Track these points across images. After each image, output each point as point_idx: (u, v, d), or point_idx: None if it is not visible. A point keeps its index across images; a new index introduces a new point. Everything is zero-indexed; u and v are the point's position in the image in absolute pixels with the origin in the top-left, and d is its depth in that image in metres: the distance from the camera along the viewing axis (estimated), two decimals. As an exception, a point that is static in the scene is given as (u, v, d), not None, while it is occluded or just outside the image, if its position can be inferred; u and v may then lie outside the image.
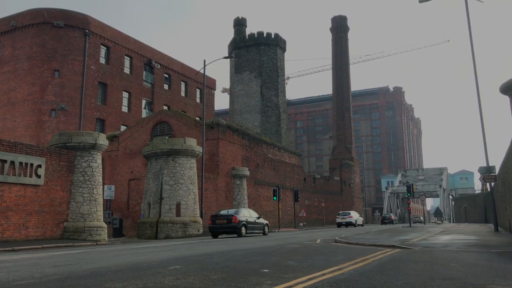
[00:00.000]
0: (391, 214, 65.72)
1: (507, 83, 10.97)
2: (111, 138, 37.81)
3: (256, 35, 63.39)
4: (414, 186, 38.34)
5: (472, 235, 19.26)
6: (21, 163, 18.20)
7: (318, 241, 16.84)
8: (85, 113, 41.00)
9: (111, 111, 44.11)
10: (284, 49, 66.00)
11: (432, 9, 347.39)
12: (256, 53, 62.37)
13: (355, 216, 43.11)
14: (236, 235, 22.93)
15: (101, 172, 21.89)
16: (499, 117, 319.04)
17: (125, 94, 46.51)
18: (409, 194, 36.96)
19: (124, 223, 32.35)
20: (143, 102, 48.97)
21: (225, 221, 22.97)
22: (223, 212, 24.70)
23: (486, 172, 22.49)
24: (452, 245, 13.04)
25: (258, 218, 25.90)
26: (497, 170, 24.79)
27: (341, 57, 76.04)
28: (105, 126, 43.25)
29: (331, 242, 15.79)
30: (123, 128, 45.00)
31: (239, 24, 68.02)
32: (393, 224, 51.39)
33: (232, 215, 23.11)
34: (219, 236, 23.38)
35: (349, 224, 41.46)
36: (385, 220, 57.07)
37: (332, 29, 78.79)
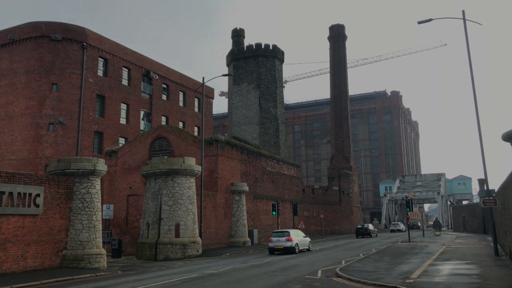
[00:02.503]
0: (418, 222, 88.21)
1: (509, 132, 11.20)
2: (110, 154, 37.69)
3: (254, 47, 63.23)
4: (412, 196, 38.79)
5: (473, 262, 19.23)
6: (19, 193, 18.08)
7: (319, 274, 16.77)
8: (83, 127, 40.86)
9: (109, 123, 43.96)
10: (282, 60, 65.84)
11: (429, 11, 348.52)
12: (254, 65, 62.23)
13: (401, 225, 64.17)
14: (369, 236, 46.96)
15: (100, 198, 21.76)
16: (498, 116, 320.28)
17: (123, 106, 46.38)
18: (408, 209, 36.92)
19: (123, 239, 32.27)
20: (141, 113, 48.86)
21: (364, 230, 47.93)
22: (362, 225, 50.27)
23: (486, 196, 22.54)
24: (454, 287, 12.99)
25: (375, 227, 52.12)
26: (498, 183, 24.86)
27: (339, 66, 76.02)
28: (103, 139, 43.11)
29: (332, 277, 15.75)
30: (121, 140, 44.87)
31: (237, 35, 67.92)
32: (419, 229, 69.83)
33: (367, 228, 48.52)
34: (358, 237, 47.41)
35: (398, 231, 61.57)
36: (413, 227, 75.20)
37: (330, 38, 78.74)
